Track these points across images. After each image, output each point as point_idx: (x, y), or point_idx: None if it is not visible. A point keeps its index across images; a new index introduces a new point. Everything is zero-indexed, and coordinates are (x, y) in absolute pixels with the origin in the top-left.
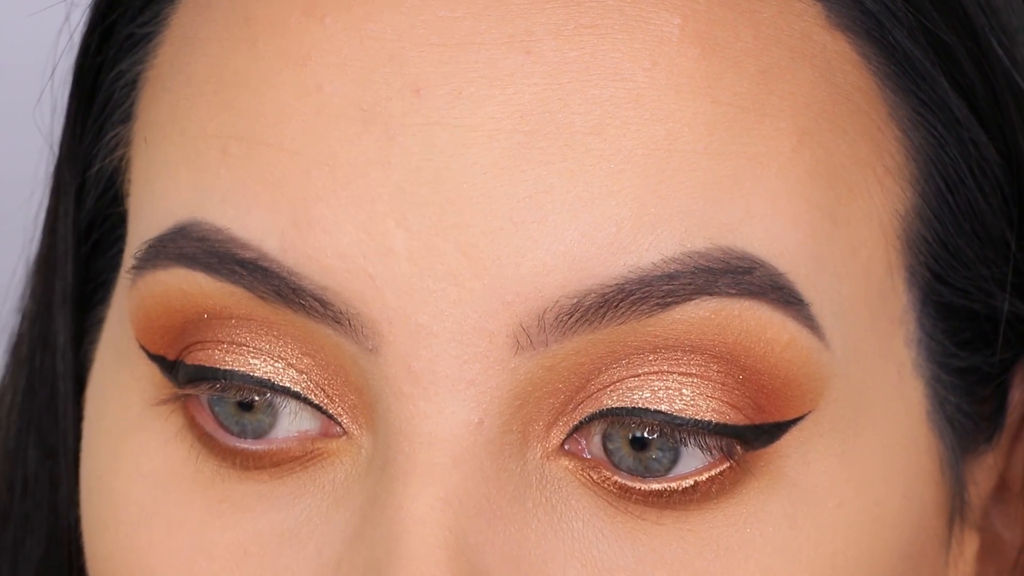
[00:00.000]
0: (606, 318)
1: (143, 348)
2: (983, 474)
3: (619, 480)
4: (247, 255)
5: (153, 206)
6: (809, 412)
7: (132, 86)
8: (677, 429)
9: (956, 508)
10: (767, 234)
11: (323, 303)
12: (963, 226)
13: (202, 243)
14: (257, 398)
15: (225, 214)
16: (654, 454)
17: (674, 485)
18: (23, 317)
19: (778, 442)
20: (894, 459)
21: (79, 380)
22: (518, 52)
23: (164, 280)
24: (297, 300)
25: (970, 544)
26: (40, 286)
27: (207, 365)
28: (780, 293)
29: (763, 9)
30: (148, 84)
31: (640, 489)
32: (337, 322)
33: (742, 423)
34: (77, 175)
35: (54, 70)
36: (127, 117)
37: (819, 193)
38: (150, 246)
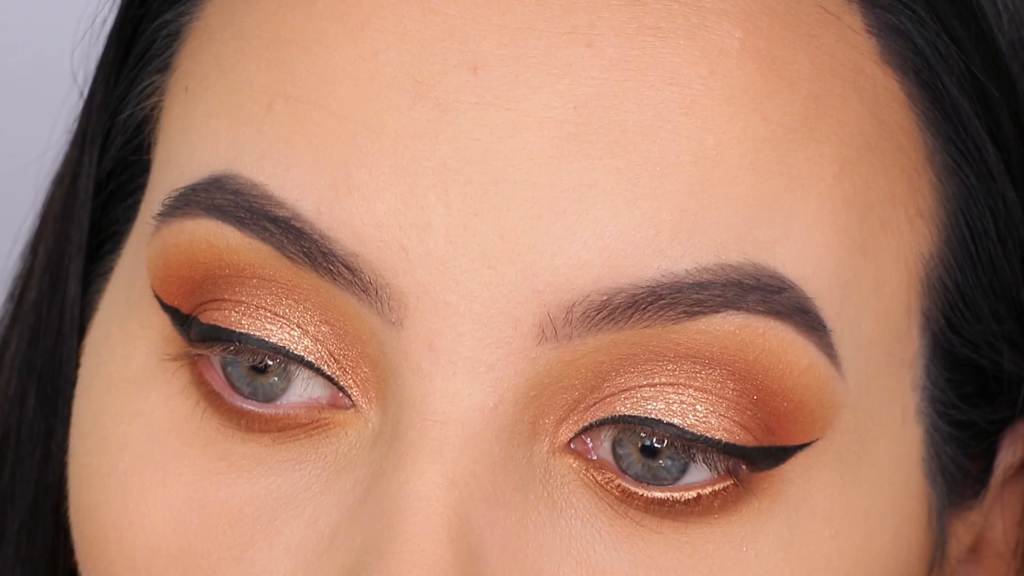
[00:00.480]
0: (632, 319)
1: (157, 298)
2: (964, 531)
3: (623, 484)
4: (280, 213)
5: (189, 155)
6: (817, 439)
7: (175, 36)
8: (687, 444)
9: (936, 560)
10: (800, 257)
11: (352, 270)
12: (981, 279)
13: (236, 196)
14: (271, 363)
15: (263, 170)
16: (664, 462)
17: (677, 495)
18: (30, 263)
19: (783, 466)
20: (889, 498)
21: (81, 330)
22: (579, 44)
23: (191, 230)
24: (326, 265)
25: None
26: (54, 234)
27: (223, 326)
28: (805, 317)
29: (822, 36)
30: (193, 35)
31: (643, 496)
32: (364, 291)
33: (751, 444)
34: (105, 123)
35: (82, 35)
36: (165, 67)
37: (854, 224)
38: (181, 194)
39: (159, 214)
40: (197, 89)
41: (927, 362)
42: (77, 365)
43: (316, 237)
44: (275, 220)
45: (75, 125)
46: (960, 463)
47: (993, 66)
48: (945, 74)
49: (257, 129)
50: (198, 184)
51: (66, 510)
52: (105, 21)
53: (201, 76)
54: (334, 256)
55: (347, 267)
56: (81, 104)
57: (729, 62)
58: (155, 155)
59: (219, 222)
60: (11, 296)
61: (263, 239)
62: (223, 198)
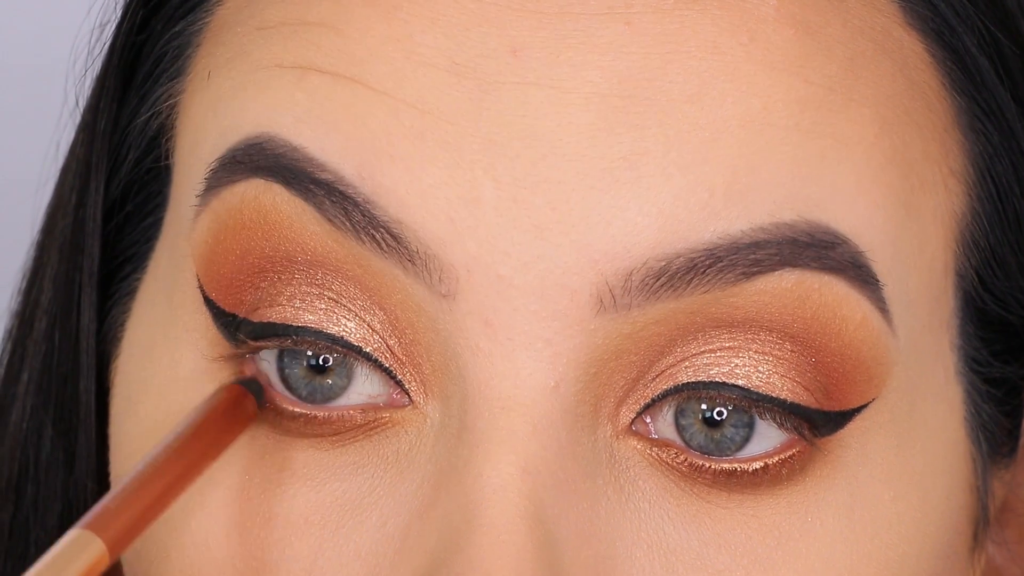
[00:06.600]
0: (691, 284)
1: (200, 289)
2: (1000, 489)
3: (690, 459)
4: (323, 176)
5: (218, 127)
6: (872, 400)
7: (187, 44)
8: (752, 404)
9: (982, 519)
10: (850, 213)
11: (397, 238)
12: (1009, 236)
13: (278, 159)
14: (331, 357)
15: (301, 133)
16: (727, 431)
17: (744, 466)
18: (33, 296)
19: (841, 431)
20: (939, 459)
21: (99, 357)
22: (618, 23)
23: (241, 191)
24: (369, 230)
25: (979, 564)
26: (61, 262)
27: (278, 322)
28: (859, 271)
29: (849, 0)
30: (208, 35)
31: (711, 468)
32: (410, 260)
33: (813, 406)
34: (111, 148)
35: (86, 68)
36: (178, 73)
37: (897, 182)
38: (223, 162)
39: (204, 190)
40: (221, 71)
41: (961, 321)
42: (101, 392)
43: (359, 200)
44: (318, 182)
45: (72, 153)
46: (998, 420)
47: (1005, 24)
48: (966, 34)
49: (289, 95)
50: (236, 147)
51: None
52: (104, 43)
53: (224, 61)
54: (377, 221)
55: (391, 234)
56: (74, 133)
57: (767, 28)
58: (177, 157)
59: (266, 180)
60: (19, 327)
61: (307, 199)
62: (266, 160)
